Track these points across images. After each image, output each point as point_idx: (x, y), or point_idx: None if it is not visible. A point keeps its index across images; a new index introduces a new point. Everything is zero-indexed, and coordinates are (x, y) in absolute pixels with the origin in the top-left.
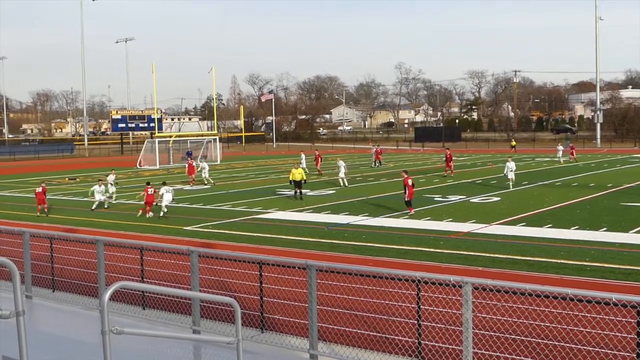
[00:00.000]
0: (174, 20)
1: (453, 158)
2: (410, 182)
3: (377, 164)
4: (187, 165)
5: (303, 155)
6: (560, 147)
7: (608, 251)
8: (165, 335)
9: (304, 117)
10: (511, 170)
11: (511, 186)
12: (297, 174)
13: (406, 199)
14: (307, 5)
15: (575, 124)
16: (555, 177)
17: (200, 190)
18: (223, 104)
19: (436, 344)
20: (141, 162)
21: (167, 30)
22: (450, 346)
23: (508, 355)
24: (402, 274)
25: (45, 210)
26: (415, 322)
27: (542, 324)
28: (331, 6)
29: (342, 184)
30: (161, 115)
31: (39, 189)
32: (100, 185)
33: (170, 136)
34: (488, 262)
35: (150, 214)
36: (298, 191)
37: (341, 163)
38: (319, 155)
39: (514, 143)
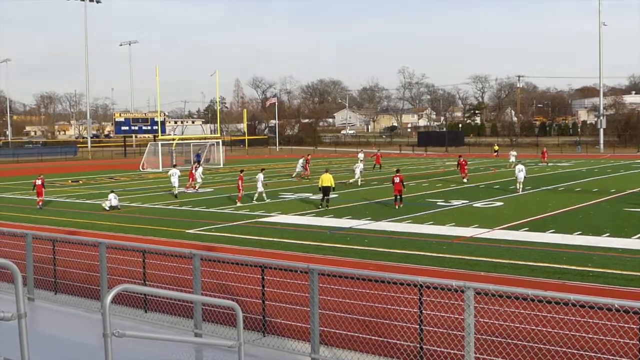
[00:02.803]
0: (177, 23)
1: (468, 162)
2: (397, 179)
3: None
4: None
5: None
6: (513, 153)
7: (611, 257)
8: (167, 339)
9: (307, 120)
10: (521, 172)
11: (520, 190)
12: (326, 180)
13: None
14: (310, 9)
15: (579, 129)
16: (558, 182)
17: (202, 194)
18: (226, 107)
19: (438, 349)
20: (144, 165)
21: (170, 33)
22: (452, 351)
23: None
24: (404, 278)
25: (39, 204)
26: (417, 326)
27: (544, 329)
28: (334, 10)
29: (358, 183)
30: (164, 118)
31: (38, 181)
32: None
33: (173, 139)
34: (490, 267)
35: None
36: (325, 198)
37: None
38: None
39: (496, 148)
